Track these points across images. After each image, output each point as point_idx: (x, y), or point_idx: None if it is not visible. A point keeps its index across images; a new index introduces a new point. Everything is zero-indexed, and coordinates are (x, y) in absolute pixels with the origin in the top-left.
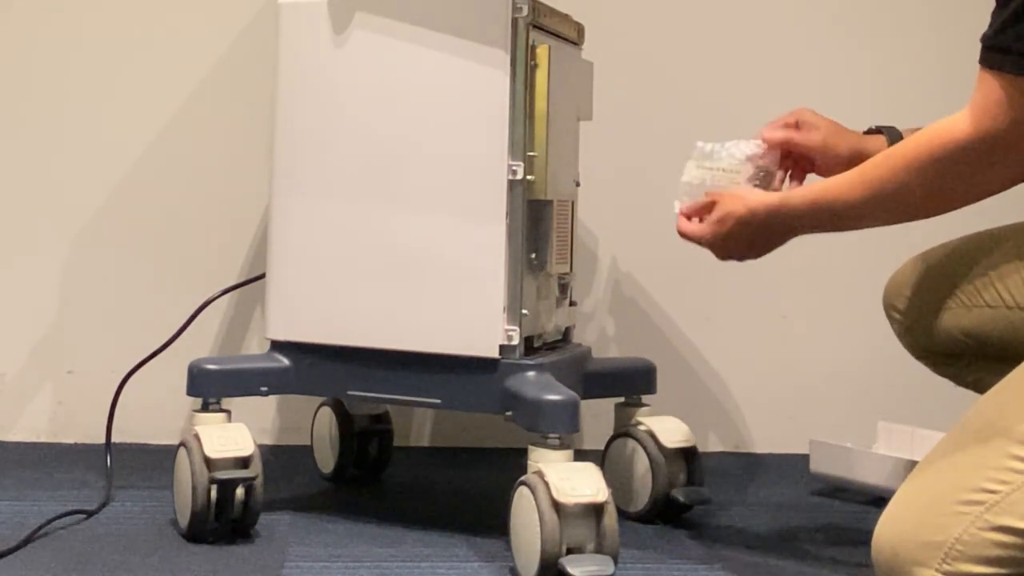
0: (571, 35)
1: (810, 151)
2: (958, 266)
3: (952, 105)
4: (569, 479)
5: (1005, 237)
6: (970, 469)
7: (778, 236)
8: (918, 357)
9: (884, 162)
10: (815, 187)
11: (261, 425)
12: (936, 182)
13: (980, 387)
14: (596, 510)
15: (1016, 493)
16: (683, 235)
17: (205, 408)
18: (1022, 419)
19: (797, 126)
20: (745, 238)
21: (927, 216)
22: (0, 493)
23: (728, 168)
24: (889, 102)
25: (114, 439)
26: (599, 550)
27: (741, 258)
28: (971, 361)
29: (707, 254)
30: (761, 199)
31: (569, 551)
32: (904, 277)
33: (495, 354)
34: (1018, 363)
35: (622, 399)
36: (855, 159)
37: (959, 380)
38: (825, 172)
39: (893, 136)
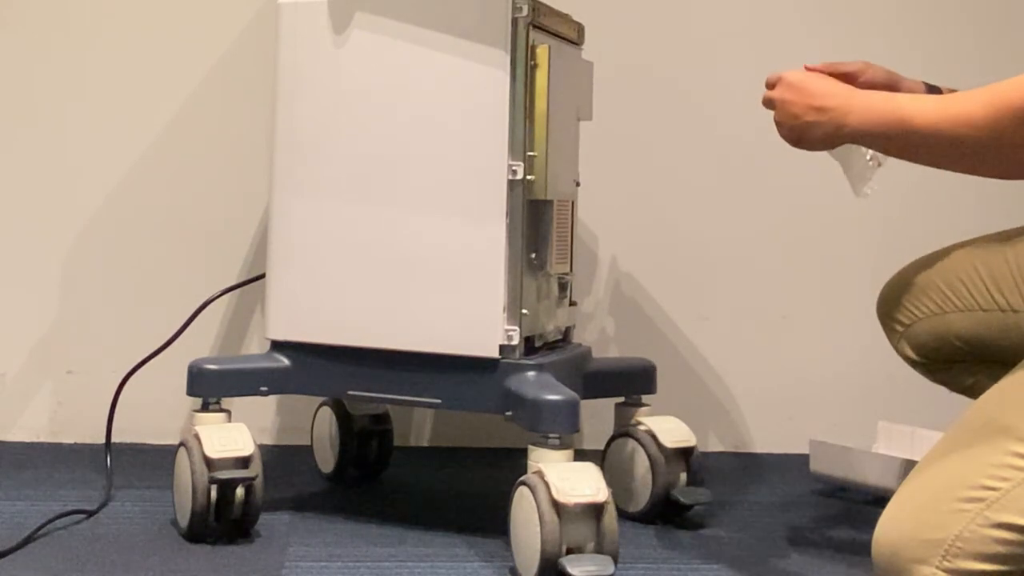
0: (571, 35)
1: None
2: (950, 271)
3: None
4: (569, 479)
5: (996, 241)
6: (970, 466)
7: (842, 119)
8: (913, 364)
9: (977, 93)
10: (899, 95)
11: (261, 425)
12: None
13: (974, 392)
14: (596, 510)
15: (1016, 490)
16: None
17: (205, 408)
18: (1022, 416)
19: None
20: (819, 102)
21: (994, 172)
22: (0, 493)
23: None
24: None
25: (114, 439)
26: (599, 550)
27: (801, 129)
28: (966, 367)
29: (707, 251)
30: (840, 86)
31: (569, 551)
32: (897, 285)
33: (495, 354)
34: (1013, 365)
35: (622, 399)
36: (892, 85)
37: (954, 386)
38: None
39: (935, 93)
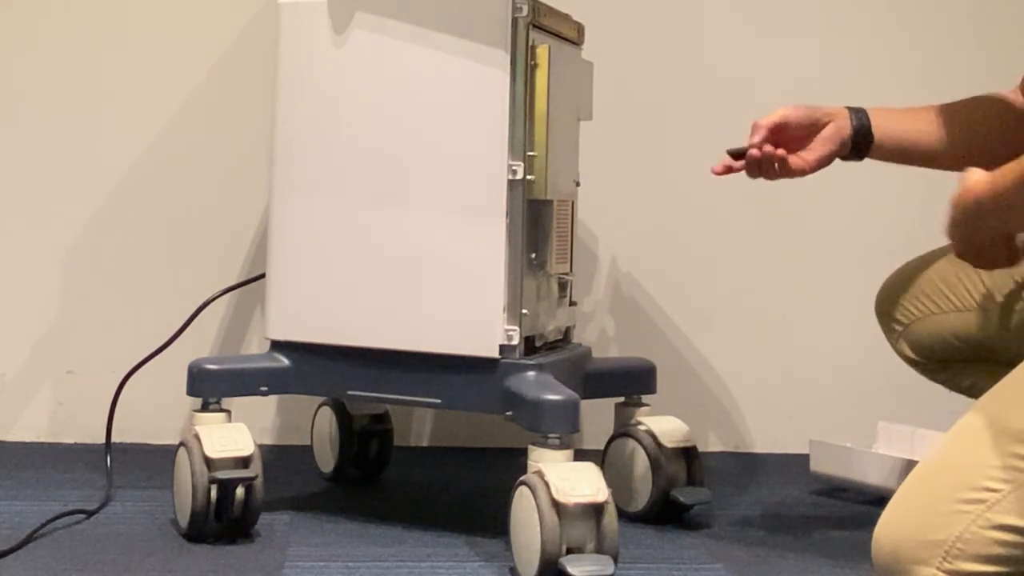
0: (571, 35)
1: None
2: (948, 271)
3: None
4: (569, 479)
5: None
6: (971, 468)
7: (973, 223)
8: (911, 364)
9: None
10: (998, 170)
11: (261, 425)
12: None
13: (974, 392)
14: (596, 510)
15: (1018, 492)
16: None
17: (205, 408)
18: (1022, 417)
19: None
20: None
21: None
22: (0, 493)
23: None
24: (885, 101)
25: (114, 439)
26: (599, 550)
27: (967, 249)
28: (964, 366)
29: (708, 251)
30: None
31: (569, 551)
32: (895, 284)
33: (495, 354)
34: (1012, 365)
35: (622, 399)
36: (816, 120)
37: (952, 385)
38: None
39: (860, 117)
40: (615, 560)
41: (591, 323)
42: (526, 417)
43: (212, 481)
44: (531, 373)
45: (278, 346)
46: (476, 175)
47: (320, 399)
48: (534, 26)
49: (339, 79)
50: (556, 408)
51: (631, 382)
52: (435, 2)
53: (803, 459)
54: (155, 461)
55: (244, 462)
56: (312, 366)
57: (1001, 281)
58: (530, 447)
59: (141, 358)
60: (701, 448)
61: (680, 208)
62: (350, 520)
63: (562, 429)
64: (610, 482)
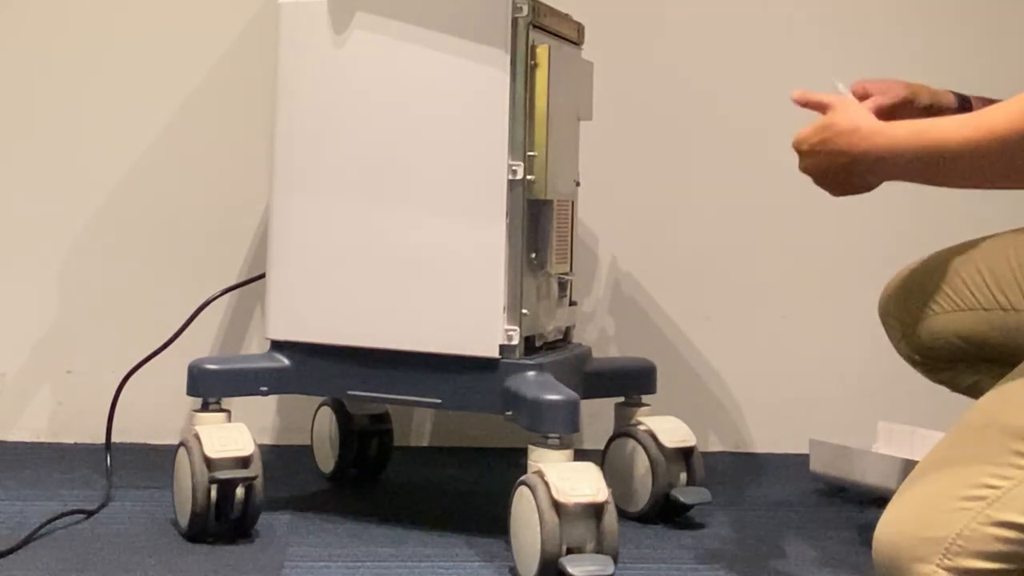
0: (571, 35)
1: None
2: (952, 271)
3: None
4: (569, 479)
5: (997, 241)
6: (972, 465)
7: (868, 166)
8: (914, 364)
9: (999, 110)
10: (922, 121)
11: (261, 425)
12: None
13: (975, 391)
14: (596, 510)
15: (1018, 488)
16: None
17: (205, 408)
18: (1023, 415)
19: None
20: (837, 156)
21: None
22: (0, 493)
23: None
24: None
25: (114, 439)
26: (599, 550)
27: (822, 179)
28: (967, 366)
29: (708, 251)
30: (868, 121)
31: (569, 551)
32: (898, 285)
33: (495, 354)
34: (1014, 365)
35: (622, 399)
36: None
37: (954, 386)
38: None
39: (961, 101)
40: (615, 560)
41: (591, 323)
42: (526, 417)
43: (212, 481)
44: (531, 373)
45: (278, 346)
46: (476, 175)
47: (320, 399)
48: (534, 26)
49: (339, 79)
50: (556, 408)
51: (631, 382)
52: (435, 2)
53: (803, 459)
54: (155, 461)
55: (244, 462)
56: (312, 366)
57: (1004, 280)
58: (530, 447)
59: (141, 358)
60: (701, 448)
61: (680, 208)
62: (350, 520)
63: (562, 429)
64: (610, 482)
